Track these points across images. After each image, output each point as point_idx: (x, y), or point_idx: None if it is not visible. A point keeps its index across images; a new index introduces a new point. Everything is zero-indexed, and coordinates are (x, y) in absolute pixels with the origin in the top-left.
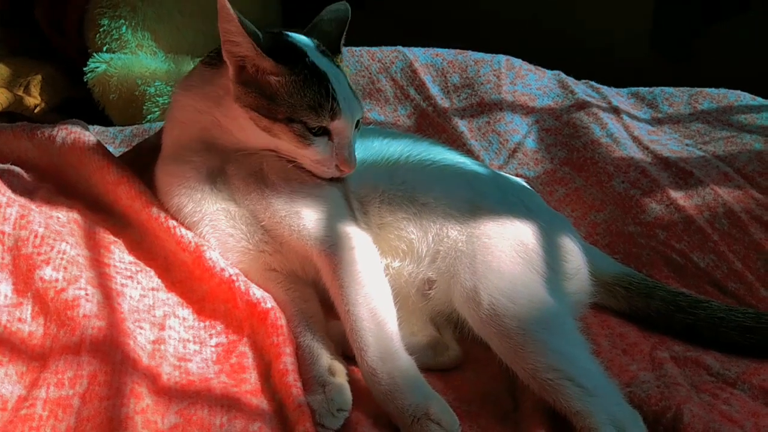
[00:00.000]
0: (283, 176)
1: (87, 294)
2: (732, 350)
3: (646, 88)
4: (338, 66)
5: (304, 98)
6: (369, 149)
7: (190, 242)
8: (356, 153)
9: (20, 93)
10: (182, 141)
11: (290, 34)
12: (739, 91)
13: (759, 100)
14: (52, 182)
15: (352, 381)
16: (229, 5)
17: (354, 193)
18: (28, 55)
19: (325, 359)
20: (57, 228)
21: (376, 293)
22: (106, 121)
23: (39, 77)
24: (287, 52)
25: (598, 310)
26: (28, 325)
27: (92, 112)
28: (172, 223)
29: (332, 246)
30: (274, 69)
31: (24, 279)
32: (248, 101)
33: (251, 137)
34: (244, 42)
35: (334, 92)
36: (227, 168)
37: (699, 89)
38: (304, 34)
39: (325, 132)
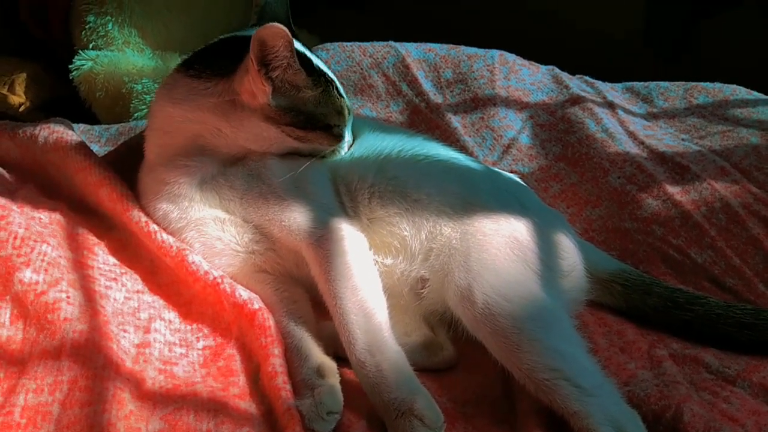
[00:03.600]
0: (281, 172)
1: (68, 297)
2: (731, 347)
3: (641, 83)
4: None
5: (331, 106)
6: (363, 143)
7: (171, 247)
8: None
9: (4, 91)
10: (172, 147)
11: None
12: (734, 86)
13: (755, 94)
14: (35, 182)
15: (345, 381)
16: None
17: (342, 178)
18: (12, 53)
19: (314, 360)
20: (38, 229)
21: (364, 284)
22: (92, 120)
23: (24, 75)
24: (301, 60)
25: (594, 308)
26: (7, 329)
27: (79, 110)
28: (153, 227)
29: (321, 238)
30: (305, 82)
31: (2, 282)
32: (283, 120)
33: (270, 145)
34: (288, 60)
35: (340, 89)
36: (227, 172)
37: (694, 83)
38: (258, 24)
39: None
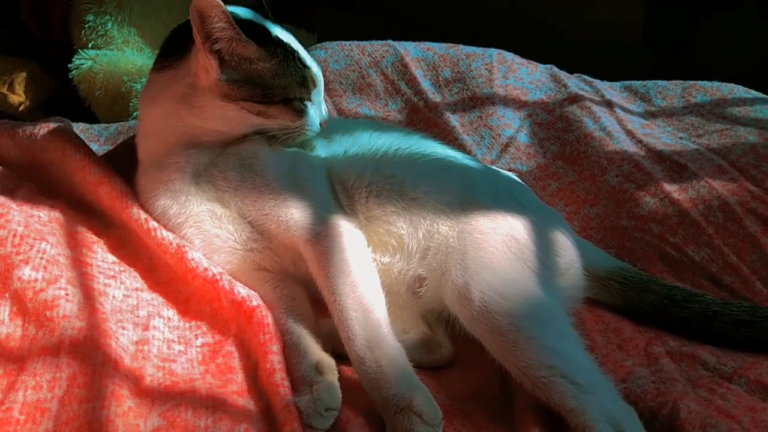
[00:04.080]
0: (272, 163)
1: (67, 294)
2: (727, 344)
3: (639, 82)
4: (284, 27)
5: (290, 76)
6: (357, 141)
7: (171, 243)
8: (344, 146)
9: (4, 90)
10: (160, 149)
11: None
12: (732, 84)
13: (753, 93)
14: (34, 181)
15: (343, 378)
16: None
17: (337, 177)
18: (12, 52)
19: (313, 356)
20: (37, 227)
21: (363, 280)
22: (92, 119)
23: (23, 75)
24: (253, 31)
25: (592, 305)
26: (6, 326)
27: (78, 109)
28: (153, 224)
29: (318, 234)
30: (257, 54)
31: (2, 279)
32: (239, 94)
33: (238, 125)
34: (229, 31)
35: (305, 60)
36: (218, 161)
37: (692, 82)
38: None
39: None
